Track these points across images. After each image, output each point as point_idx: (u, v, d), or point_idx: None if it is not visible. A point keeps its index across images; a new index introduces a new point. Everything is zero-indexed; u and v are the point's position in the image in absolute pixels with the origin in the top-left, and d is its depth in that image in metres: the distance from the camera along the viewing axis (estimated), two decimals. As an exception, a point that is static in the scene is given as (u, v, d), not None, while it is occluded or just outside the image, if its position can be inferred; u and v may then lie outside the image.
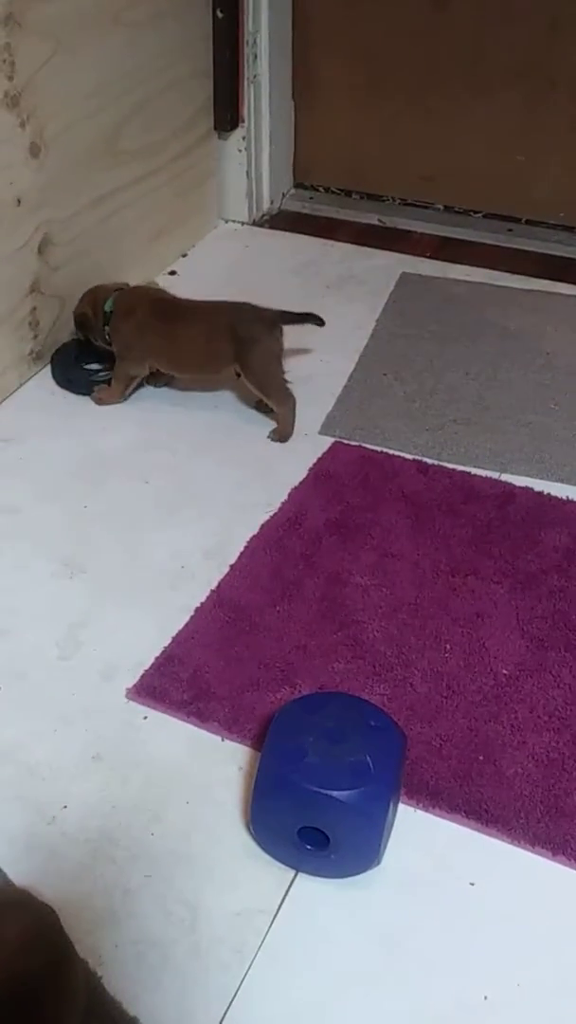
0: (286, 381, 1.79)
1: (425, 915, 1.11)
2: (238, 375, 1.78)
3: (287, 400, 1.79)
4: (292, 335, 1.97)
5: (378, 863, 1.12)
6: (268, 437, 1.78)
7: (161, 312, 1.81)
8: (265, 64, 2.32)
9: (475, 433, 1.78)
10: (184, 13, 2.09)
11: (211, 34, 2.19)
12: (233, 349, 1.74)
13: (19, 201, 1.74)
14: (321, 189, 2.59)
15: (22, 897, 0.95)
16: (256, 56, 2.30)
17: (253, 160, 2.40)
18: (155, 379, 1.89)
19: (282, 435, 1.79)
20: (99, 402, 1.85)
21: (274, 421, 1.80)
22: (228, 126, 2.31)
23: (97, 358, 1.87)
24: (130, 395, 1.86)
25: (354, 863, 1.12)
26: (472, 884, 1.14)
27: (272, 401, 1.79)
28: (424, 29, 2.31)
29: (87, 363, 1.88)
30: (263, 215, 2.50)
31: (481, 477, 1.68)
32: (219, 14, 2.17)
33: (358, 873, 1.13)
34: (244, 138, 2.35)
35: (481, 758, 1.24)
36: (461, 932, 1.09)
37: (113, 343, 1.81)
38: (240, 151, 2.37)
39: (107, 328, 1.80)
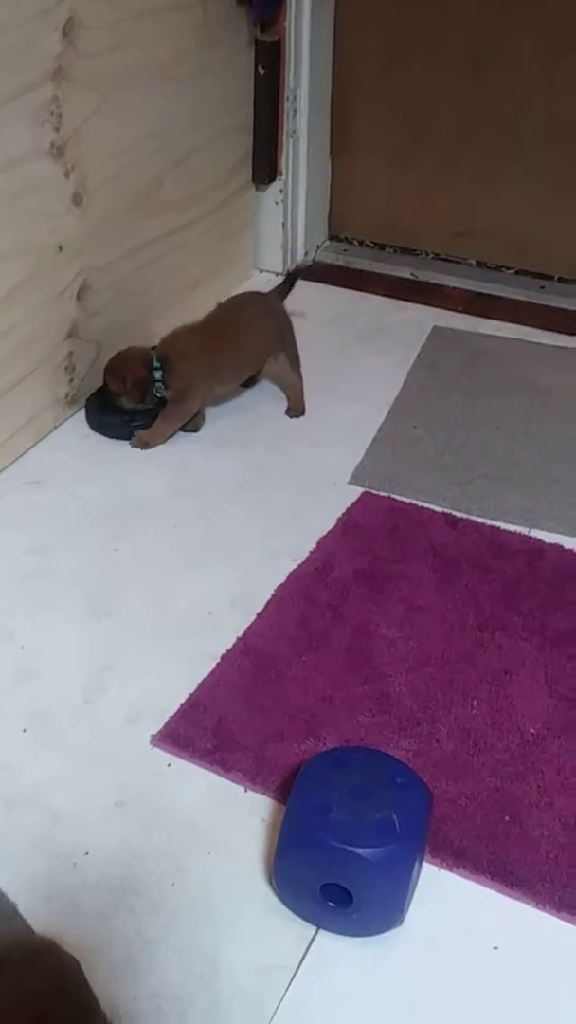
0: None
1: (447, 978, 1.09)
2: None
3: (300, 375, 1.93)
4: (324, 388, 1.99)
5: (401, 923, 1.11)
6: (286, 414, 1.91)
7: (213, 331, 1.86)
8: (304, 119, 2.37)
9: (505, 488, 1.78)
10: (227, 69, 2.14)
11: (252, 89, 2.23)
12: (276, 332, 1.85)
13: (61, 248, 1.78)
14: (355, 242, 2.62)
15: (48, 947, 0.94)
16: (296, 111, 2.34)
17: (289, 212, 2.44)
18: (190, 423, 1.91)
19: (298, 408, 1.92)
20: (144, 446, 1.85)
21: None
22: (266, 179, 2.35)
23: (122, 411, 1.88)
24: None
25: (377, 922, 1.11)
26: (495, 948, 1.12)
27: (295, 374, 1.92)
28: (462, 90, 2.35)
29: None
30: (297, 266, 2.53)
31: (510, 532, 1.68)
32: (261, 70, 2.21)
33: (380, 932, 1.11)
34: (281, 191, 2.39)
35: (507, 818, 1.23)
36: (483, 996, 1.08)
37: (171, 388, 1.81)
38: (277, 203, 2.40)
39: (158, 383, 1.81)
